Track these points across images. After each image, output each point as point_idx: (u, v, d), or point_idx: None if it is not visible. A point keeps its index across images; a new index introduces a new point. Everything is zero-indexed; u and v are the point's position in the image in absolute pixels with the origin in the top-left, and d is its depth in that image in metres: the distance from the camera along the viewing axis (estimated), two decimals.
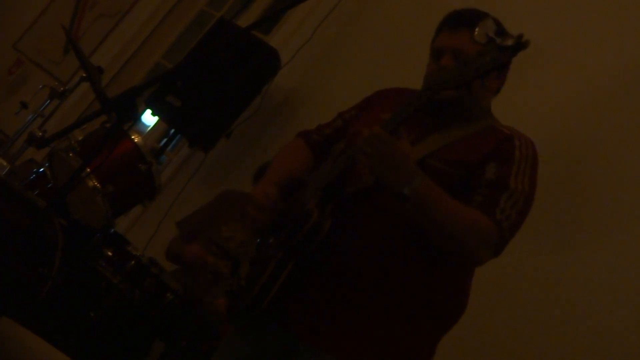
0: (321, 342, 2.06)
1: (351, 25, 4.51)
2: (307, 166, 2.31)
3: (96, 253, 3.05)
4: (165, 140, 4.39)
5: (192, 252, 3.58)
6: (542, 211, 3.17)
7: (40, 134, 3.27)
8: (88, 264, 3.01)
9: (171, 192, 4.21)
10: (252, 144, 4.50)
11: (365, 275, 2.07)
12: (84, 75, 3.39)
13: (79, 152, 3.21)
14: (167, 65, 5.31)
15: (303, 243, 2.08)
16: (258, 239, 2.23)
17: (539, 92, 3.51)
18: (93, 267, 3.00)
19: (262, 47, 4.17)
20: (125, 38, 5.28)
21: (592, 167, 3.26)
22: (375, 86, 4.22)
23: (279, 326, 2.12)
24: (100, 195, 3.14)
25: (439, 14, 4.20)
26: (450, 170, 2.06)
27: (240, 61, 4.09)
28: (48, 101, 3.64)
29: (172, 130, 4.35)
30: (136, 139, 3.35)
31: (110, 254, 3.07)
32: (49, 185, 3.39)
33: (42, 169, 3.44)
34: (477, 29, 1.91)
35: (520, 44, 1.85)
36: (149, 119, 5.03)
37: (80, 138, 3.31)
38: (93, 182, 3.13)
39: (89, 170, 3.06)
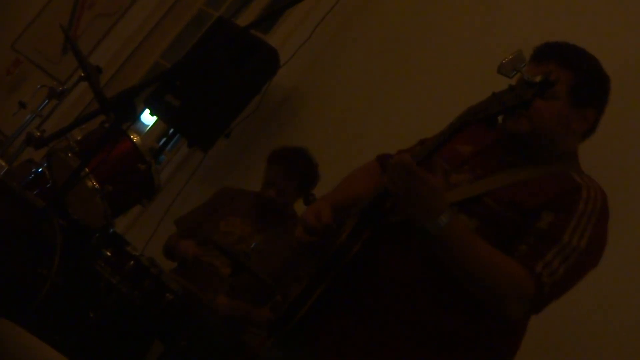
0: None
1: (350, 25, 4.50)
2: (370, 190, 2.16)
3: (95, 253, 3.03)
4: (164, 139, 4.39)
5: (186, 248, 3.58)
6: None
7: (38, 134, 3.25)
8: (87, 264, 3.00)
9: (170, 192, 4.20)
10: (252, 144, 4.50)
11: (397, 313, 1.98)
12: (82, 74, 3.37)
13: (77, 152, 3.20)
14: (166, 65, 5.30)
15: (331, 264, 2.02)
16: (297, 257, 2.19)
17: None
18: (92, 268, 2.99)
19: (261, 46, 4.17)
20: (123, 37, 5.27)
21: (595, 165, 3.24)
22: (374, 85, 4.24)
23: (305, 348, 2.07)
24: (99, 195, 3.12)
25: (437, 13, 4.23)
26: (503, 211, 1.93)
27: (239, 60, 4.08)
28: (46, 101, 3.63)
29: (171, 130, 4.35)
30: (135, 138, 3.34)
31: (109, 254, 3.06)
32: (48, 186, 3.38)
33: (40, 169, 3.43)
34: (504, 60, 1.78)
35: (549, 82, 1.73)
36: (147, 118, 5.03)
37: (78, 138, 3.30)
38: (92, 182, 3.12)
39: (87, 170, 3.05)
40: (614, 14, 3.51)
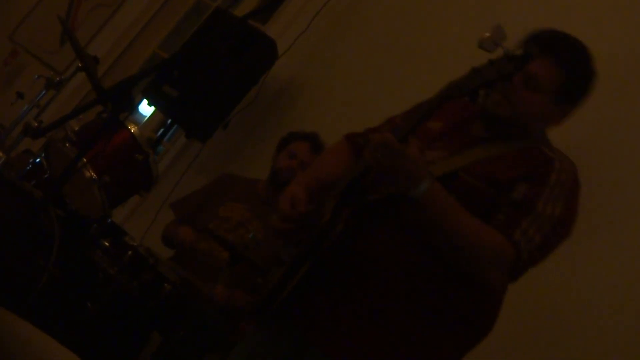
0: (329, 348, 2.02)
1: (349, 15, 4.49)
2: (345, 170, 2.22)
3: (93, 244, 3.03)
4: (162, 130, 4.38)
5: (184, 235, 3.58)
6: None
7: (36, 124, 3.24)
8: (85, 254, 3.00)
9: (168, 183, 4.20)
10: (250, 134, 4.50)
11: (380, 287, 2.02)
12: (80, 65, 3.36)
13: (75, 143, 3.19)
14: (164, 56, 5.29)
15: (314, 244, 2.05)
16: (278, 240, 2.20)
17: None
18: (90, 258, 2.99)
19: (259, 36, 4.15)
20: (121, 28, 5.26)
21: (595, 163, 3.23)
22: (373, 75, 4.23)
23: (291, 327, 2.09)
24: (97, 185, 3.12)
25: (437, 3, 4.21)
26: (479, 185, 1.99)
27: (237, 51, 4.07)
28: (44, 91, 3.61)
29: (169, 121, 4.34)
30: (133, 129, 3.33)
31: (107, 244, 3.05)
32: (46, 176, 3.37)
33: (38, 160, 3.42)
34: (485, 36, 1.85)
35: (529, 56, 1.81)
36: (145, 109, 5.02)
37: (76, 128, 3.29)
38: (89, 173, 3.12)
39: (85, 160, 3.05)
40: (612, 11, 3.49)
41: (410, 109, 2.20)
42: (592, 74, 2.14)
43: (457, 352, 2.10)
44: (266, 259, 3.25)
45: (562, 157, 2.07)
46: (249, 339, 2.25)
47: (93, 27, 5.29)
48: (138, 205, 4.57)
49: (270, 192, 3.68)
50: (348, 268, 2.06)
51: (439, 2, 4.22)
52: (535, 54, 2.06)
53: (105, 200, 3.16)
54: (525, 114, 2.08)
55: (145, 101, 4.55)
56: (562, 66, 2.06)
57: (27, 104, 3.69)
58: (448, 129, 2.16)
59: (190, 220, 3.73)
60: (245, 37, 4.09)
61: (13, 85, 5.26)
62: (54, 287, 2.71)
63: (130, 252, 3.00)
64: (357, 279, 2.04)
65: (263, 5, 4.57)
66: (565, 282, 3.13)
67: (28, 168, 3.38)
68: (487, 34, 1.84)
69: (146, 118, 5.09)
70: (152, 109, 4.88)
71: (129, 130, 3.32)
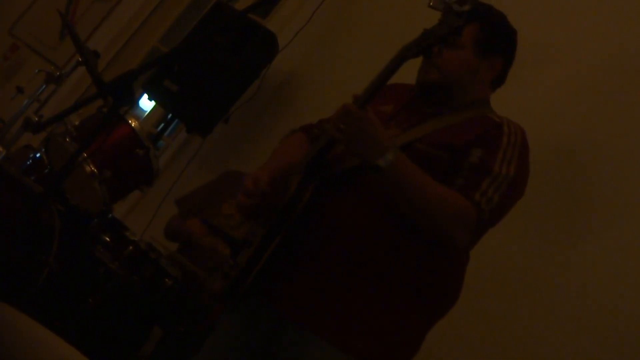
0: (305, 321, 2.07)
1: (350, 9, 4.48)
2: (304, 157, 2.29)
3: (94, 239, 3.03)
4: (162, 125, 4.38)
5: (192, 226, 3.56)
6: (547, 205, 3.18)
7: (36, 119, 3.24)
8: (86, 249, 2.99)
9: (169, 178, 4.19)
10: (251, 129, 4.48)
11: (349, 257, 2.07)
12: (80, 59, 3.35)
13: (75, 137, 3.18)
14: (164, 50, 5.28)
15: (281, 217, 2.09)
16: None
17: (536, 91, 3.46)
18: (91, 253, 2.98)
19: (260, 30, 4.15)
20: (121, 22, 5.25)
21: (595, 160, 3.22)
22: (374, 69, 4.21)
23: (266, 304, 2.13)
24: (98, 180, 3.12)
25: None
26: (435, 152, 2.07)
27: (238, 45, 4.06)
28: (44, 86, 3.61)
29: (170, 115, 4.34)
30: (133, 123, 3.33)
31: (108, 239, 3.05)
32: (46, 171, 3.37)
33: (38, 155, 3.42)
34: None
35: (476, 10, 1.91)
36: (146, 103, 5.01)
37: (76, 123, 3.29)
38: (90, 168, 3.11)
39: (85, 155, 3.04)
40: (612, 9, 3.47)
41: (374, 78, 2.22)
42: (504, 22, 2.26)
43: (426, 318, 2.16)
44: None
45: (509, 121, 2.16)
46: (224, 323, 2.26)
47: (93, 21, 5.27)
48: (139, 200, 4.56)
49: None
50: (316, 240, 2.10)
51: None
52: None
53: (106, 195, 3.16)
54: (452, 73, 2.17)
55: (145, 96, 4.55)
56: (474, 19, 2.15)
57: (27, 99, 3.69)
58: (398, 110, 2.25)
59: (194, 216, 3.72)
60: (245, 31, 4.08)
61: (13, 80, 5.25)
62: (55, 282, 2.71)
63: (131, 247, 3.00)
64: (325, 250, 2.09)
65: None
66: (564, 282, 3.11)
67: (28, 163, 3.38)
68: None
69: (146, 113, 5.08)
70: (153, 103, 4.87)
71: (130, 124, 3.32)
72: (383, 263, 2.07)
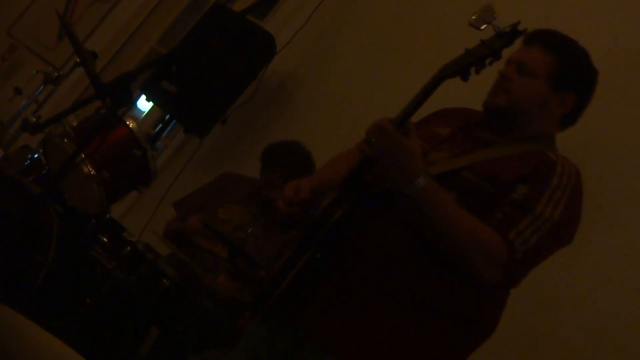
0: (325, 340, 2.00)
1: (348, 10, 4.48)
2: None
3: (92, 239, 3.03)
4: (160, 126, 4.38)
5: (191, 225, 3.55)
6: None
7: (34, 119, 3.25)
8: (83, 250, 3.00)
9: (167, 178, 4.19)
10: (248, 130, 4.49)
11: (380, 282, 1.99)
12: (78, 60, 3.36)
13: (73, 138, 3.18)
14: (162, 51, 5.28)
15: (311, 232, 2.05)
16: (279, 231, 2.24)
17: None
18: (89, 254, 2.99)
19: (258, 31, 4.15)
20: (119, 23, 5.25)
21: (595, 161, 3.20)
22: (372, 70, 4.22)
23: (289, 320, 2.07)
24: (95, 181, 3.12)
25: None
26: (480, 183, 1.97)
27: (236, 46, 4.07)
28: (42, 87, 3.62)
29: (167, 116, 4.34)
30: (131, 124, 3.33)
31: (105, 240, 3.05)
32: (44, 172, 3.37)
33: (36, 155, 3.42)
34: (474, 15, 1.85)
35: (517, 31, 1.80)
36: (144, 104, 5.02)
37: (74, 124, 3.28)
38: (88, 168, 3.12)
39: (83, 156, 3.04)
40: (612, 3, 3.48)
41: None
42: (584, 58, 2.16)
43: (458, 352, 2.08)
44: (264, 255, 3.26)
45: (566, 162, 2.05)
46: (251, 333, 2.23)
47: (91, 22, 5.28)
48: (136, 201, 4.56)
49: (259, 202, 3.66)
50: (344, 260, 2.04)
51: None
52: (524, 41, 2.13)
53: (104, 196, 3.16)
54: (521, 100, 2.09)
55: (143, 97, 4.55)
56: (551, 49, 2.10)
57: (25, 100, 3.69)
58: (455, 133, 2.16)
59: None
60: (243, 32, 4.08)
61: (11, 81, 5.25)
62: (53, 282, 2.71)
63: (128, 248, 3.00)
64: (353, 271, 2.03)
65: (261, 1, 4.56)
66: (566, 283, 3.10)
67: (26, 164, 3.38)
68: (476, 14, 1.86)
69: (144, 113, 5.08)
70: (151, 104, 4.88)
71: (128, 125, 3.32)
72: (415, 293, 1.98)
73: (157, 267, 3.02)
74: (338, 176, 2.16)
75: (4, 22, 5.56)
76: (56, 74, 3.52)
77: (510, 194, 1.95)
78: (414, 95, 1.93)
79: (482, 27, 1.85)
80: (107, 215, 3.21)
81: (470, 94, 2.17)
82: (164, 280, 2.99)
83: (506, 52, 2.09)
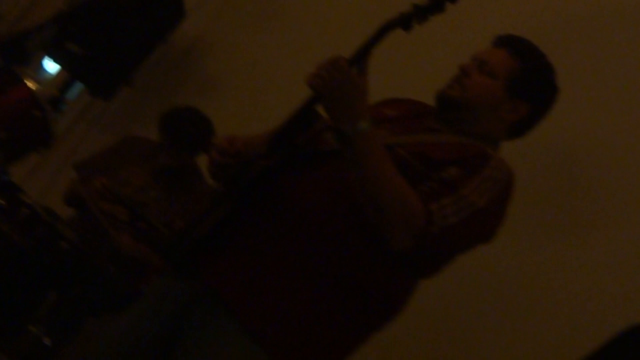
0: (223, 296, 1.94)
1: None
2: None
3: None
4: (65, 87, 4.29)
5: (91, 190, 3.51)
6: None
7: None
8: None
9: (71, 142, 4.12)
10: (156, 93, 4.43)
11: (292, 246, 1.95)
12: None
13: None
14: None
15: (232, 182, 2.02)
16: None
17: None
18: None
19: None
20: None
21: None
22: (282, 34, 4.20)
23: (192, 276, 2.02)
24: None
25: None
26: (412, 161, 1.94)
27: (143, 8, 4.00)
28: None
29: (72, 78, 4.26)
30: (31, 85, 3.25)
31: (2, 202, 2.98)
32: None
33: None
34: None
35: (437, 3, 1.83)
36: (49, 65, 4.90)
37: None
38: None
39: None
40: None
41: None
42: (548, 73, 2.17)
43: (354, 333, 2.04)
44: (164, 218, 3.24)
45: (503, 162, 2.04)
46: (152, 288, 2.15)
47: None
48: (39, 164, 4.47)
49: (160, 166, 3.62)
50: (260, 220, 2.00)
51: None
52: (494, 42, 2.16)
53: (1, 157, 3.09)
54: (474, 97, 2.10)
55: (48, 58, 4.45)
56: (518, 56, 2.11)
57: None
58: (400, 117, 2.16)
59: (94, 179, 3.66)
60: None
61: None
62: None
63: (25, 209, 2.93)
64: (268, 234, 1.98)
65: None
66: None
67: None
68: None
69: (49, 75, 4.96)
70: (56, 66, 4.77)
71: (27, 85, 3.24)
72: (327, 262, 1.94)
73: (56, 230, 2.96)
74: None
75: None
76: None
77: (439, 172, 1.93)
78: (370, 35, 1.89)
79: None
80: (5, 177, 3.13)
81: None
82: (62, 242, 2.93)
83: (473, 50, 2.16)
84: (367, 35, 1.90)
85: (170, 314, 2.01)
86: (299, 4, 4.26)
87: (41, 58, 4.56)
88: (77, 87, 4.52)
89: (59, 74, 4.90)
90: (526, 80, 2.11)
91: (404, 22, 1.88)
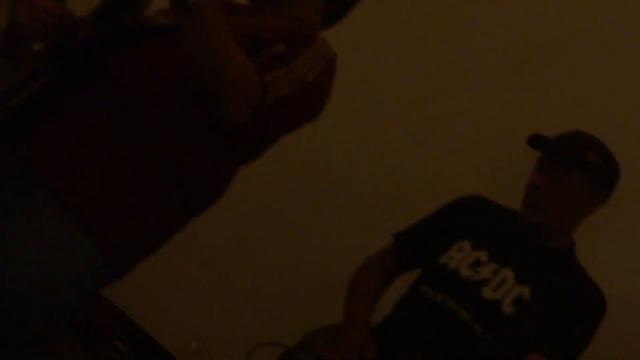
0: (38, 165, 1.79)
1: None
2: None
3: None
4: None
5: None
6: None
7: None
8: None
9: None
10: None
11: (116, 118, 1.84)
12: None
13: None
14: None
15: (51, 54, 1.94)
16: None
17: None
18: None
19: None
20: None
21: None
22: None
23: (4, 146, 1.87)
24: None
25: None
26: (242, 39, 1.89)
27: None
28: None
29: None
30: None
31: None
32: None
33: None
34: None
35: None
36: None
37: None
38: None
39: None
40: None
41: None
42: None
43: (172, 215, 1.95)
44: None
45: (325, 40, 2.05)
46: None
47: None
48: None
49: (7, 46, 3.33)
50: (84, 92, 1.87)
51: None
52: None
53: None
54: None
55: None
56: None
57: None
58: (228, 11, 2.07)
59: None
60: None
61: None
62: None
63: None
64: (92, 103, 1.86)
65: None
66: None
67: None
68: None
69: None
70: None
71: None
72: (151, 139, 1.84)
73: None
74: None
75: None
76: None
77: (268, 48, 1.91)
78: None
79: None
80: None
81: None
82: None
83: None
84: None
85: None
86: None
87: None
88: None
89: None
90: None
91: None
